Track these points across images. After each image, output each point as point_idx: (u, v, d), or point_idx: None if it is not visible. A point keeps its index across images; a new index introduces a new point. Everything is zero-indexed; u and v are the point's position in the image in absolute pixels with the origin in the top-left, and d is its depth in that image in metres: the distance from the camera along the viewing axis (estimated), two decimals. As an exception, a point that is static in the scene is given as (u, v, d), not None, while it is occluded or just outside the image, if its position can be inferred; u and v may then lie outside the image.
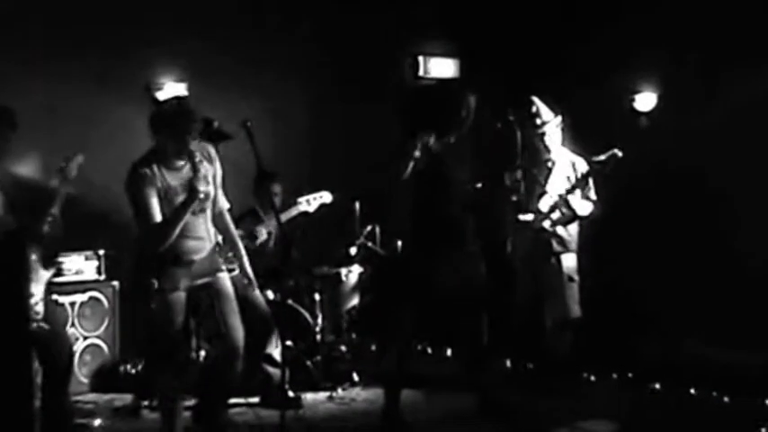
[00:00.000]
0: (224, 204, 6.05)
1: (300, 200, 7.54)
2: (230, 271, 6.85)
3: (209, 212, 5.79)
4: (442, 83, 9.36)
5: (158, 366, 5.85)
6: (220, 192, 5.96)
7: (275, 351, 7.12)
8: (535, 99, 7.38)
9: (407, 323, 6.56)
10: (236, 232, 6.16)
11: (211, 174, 5.76)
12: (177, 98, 6.25)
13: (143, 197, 5.55)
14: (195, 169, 5.56)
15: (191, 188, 5.53)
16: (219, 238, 6.07)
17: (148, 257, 5.64)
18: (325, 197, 7.62)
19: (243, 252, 6.12)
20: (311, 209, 7.56)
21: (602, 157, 7.12)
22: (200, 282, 5.79)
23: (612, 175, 7.18)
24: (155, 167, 5.64)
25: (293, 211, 7.50)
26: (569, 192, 7.24)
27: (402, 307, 6.57)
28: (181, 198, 5.58)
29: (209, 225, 5.82)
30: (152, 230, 5.58)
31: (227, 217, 6.08)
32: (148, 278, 5.60)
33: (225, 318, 5.87)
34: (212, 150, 5.92)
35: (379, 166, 6.75)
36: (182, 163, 5.68)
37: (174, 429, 5.71)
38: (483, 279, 6.59)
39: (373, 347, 8.21)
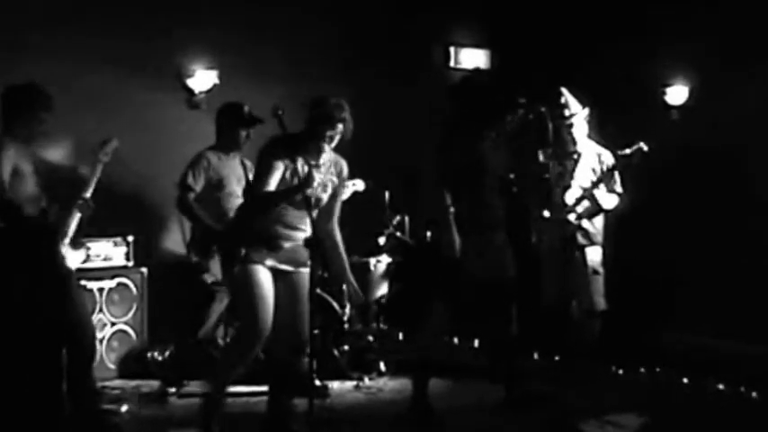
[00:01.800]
0: (335, 227, 6.10)
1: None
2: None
3: (314, 214, 5.73)
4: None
5: (231, 357, 5.98)
6: (338, 207, 6.07)
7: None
8: (564, 90, 7.37)
9: (438, 313, 6.56)
10: (343, 254, 6.17)
11: (331, 186, 5.91)
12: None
13: (269, 167, 5.65)
14: (310, 167, 5.69)
15: (305, 180, 5.59)
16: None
17: (242, 229, 5.82)
18: (359, 185, 7.58)
19: (346, 268, 6.19)
20: (344, 197, 7.50)
21: (628, 151, 7.13)
22: (283, 267, 5.82)
23: (642, 167, 7.17)
24: (295, 152, 5.71)
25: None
26: (595, 185, 7.23)
27: (431, 297, 6.57)
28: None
29: (308, 224, 5.69)
30: (254, 197, 5.79)
31: (338, 237, 6.11)
32: (237, 247, 5.71)
33: (295, 312, 5.88)
34: (345, 166, 6.06)
35: (412, 155, 6.79)
36: (321, 161, 5.84)
37: (213, 419, 5.73)
38: (512, 269, 6.57)
39: (401, 337, 8.19)
